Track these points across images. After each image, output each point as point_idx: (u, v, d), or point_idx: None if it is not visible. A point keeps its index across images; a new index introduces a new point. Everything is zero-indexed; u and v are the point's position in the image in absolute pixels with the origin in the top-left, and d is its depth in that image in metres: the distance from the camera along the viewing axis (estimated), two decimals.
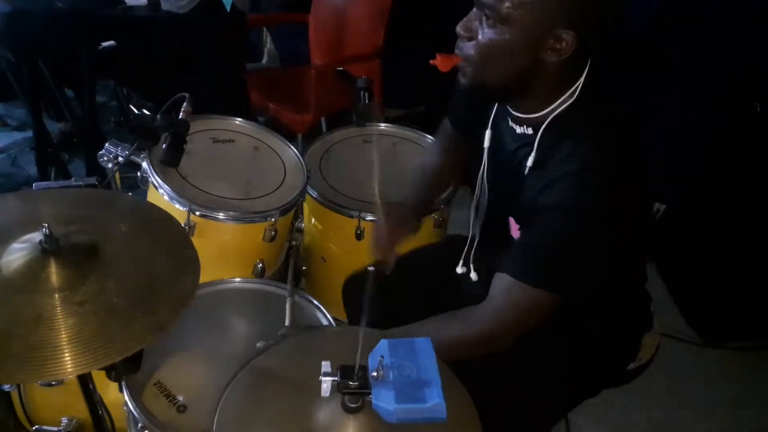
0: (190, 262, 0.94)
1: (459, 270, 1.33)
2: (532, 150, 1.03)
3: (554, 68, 0.96)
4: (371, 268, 0.75)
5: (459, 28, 0.98)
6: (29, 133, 2.63)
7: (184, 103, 1.44)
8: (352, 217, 1.63)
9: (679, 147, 2.32)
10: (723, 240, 2.22)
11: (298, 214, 1.70)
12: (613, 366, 1.26)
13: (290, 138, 1.72)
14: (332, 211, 1.65)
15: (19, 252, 0.85)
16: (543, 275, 0.99)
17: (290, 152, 1.66)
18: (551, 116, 1.01)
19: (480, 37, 0.95)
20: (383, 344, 0.79)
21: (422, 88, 3.19)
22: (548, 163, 1.00)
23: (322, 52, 2.87)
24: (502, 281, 1.03)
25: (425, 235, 1.66)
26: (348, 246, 1.66)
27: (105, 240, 0.91)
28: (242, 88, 2.43)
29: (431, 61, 1.03)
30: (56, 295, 0.81)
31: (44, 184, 1.37)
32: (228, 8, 2.08)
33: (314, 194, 1.67)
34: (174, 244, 0.96)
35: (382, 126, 1.98)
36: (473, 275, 1.28)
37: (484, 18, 0.94)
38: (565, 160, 0.97)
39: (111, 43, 2.08)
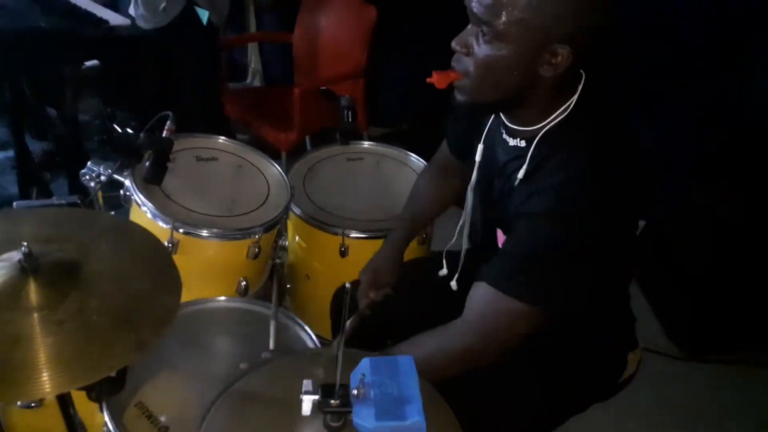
0: (172, 280, 0.93)
1: (442, 272, 1.34)
2: (523, 162, 1.03)
3: (550, 82, 0.97)
4: (348, 285, 0.75)
5: (455, 44, 0.99)
6: (11, 153, 2.60)
7: (168, 122, 1.44)
8: (336, 234, 1.63)
9: (660, 161, 2.36)
10: (704, 254, 2.25)
11: (282, 232, 1.71)
12: (599, 382, 1.27)
13: (274, 156, 1.73)
14: (316, 229, 1.66)
15: None
16: (519, 283, 0.98)
17: (274, 170, 1.67)
18: (545, 129, 1.02)
19: (477, 52, 0.96)
20: (365, 362, 0.78)
21: (406, 106, 3.23)
22: (537, 175, 1.01)
23: (306, 72, 2.89)
24: (479, 289, 1.02)
25: (409, 251, 1.67)
26: (332, 263, 1.67)
27: (86, 259, 0.90)
28: (219, 105, 2.43)
29: (428, 80, 1.02)
30: (35, 314, 0.80)
31: (25, 203, 1.36)
32: (204, 21, 2.09)
33: (298, 211, 1.67)
34: (156, 262, 0.95)
35: (366, 144, 2.00)
36: (453, 284, 1.28)
37: (480, 34, 0.95)
38: (554, 171, 0.98)
39: (94, 62, 2.08)
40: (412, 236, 1.48)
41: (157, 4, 2.06)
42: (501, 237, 1.12)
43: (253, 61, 3.40)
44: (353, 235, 1.63)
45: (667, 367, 2.19)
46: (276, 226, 1.55)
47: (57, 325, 0.80)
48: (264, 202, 1.56)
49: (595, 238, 0.96)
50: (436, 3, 2.73)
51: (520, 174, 1.03)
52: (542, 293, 0.98)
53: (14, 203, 1.35)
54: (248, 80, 3.46)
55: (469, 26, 0.98)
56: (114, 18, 1.95)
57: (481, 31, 0.94)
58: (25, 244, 0.82)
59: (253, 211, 1.52)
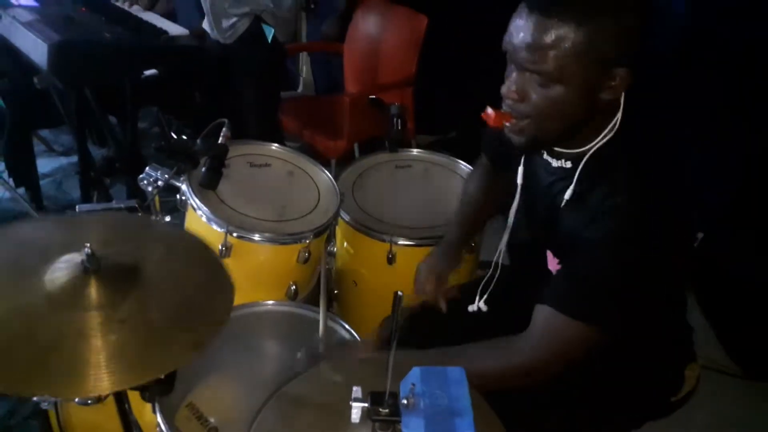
0: (225, 283, 0.95)
1: (471, 308, 1.31)
2: (569, 183, 1.02)
3: (608, 104, 0.95)
4: (400, 293, 0.75)
5: (506, 93, 0.96)
6: (74, 158, 2.73)
7: (224, 128, 1.48)
8: (383, 241, 1.63)
9: (716, 172, 2.27)
10: (763, 268, 2.15)
11: (331, 238, 1.72)
12: (656, 398, 1.23)
13: (324, 164, 1.75)
14: (364, 235, 1.67)
15: (62, 270, 0.87)
16: (584, 308, 0.97)
17: (324, 176, 1.69)
18: (592, 150, 1.00)
19: (534, 97, 0.94)
20: (415, 372, 0.78)
21: (453, 114, 3.21)
22: (590, 197, 0.99)
23: (356, 81, 2.92)
24: (543, 313, 1.01)
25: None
26: (379, 270, 1.67)
27: (144, 261, 0.93)
28: (276, 119, 2.48)
29: (482, 115, 1.00)
30: (97, 313, 0.84)
31: (87, 206, 1.41)
32: (269, 39, 2.14)
33: (347, 218, 1.68)
34: (209, 266, 0.98)
35: (415, 152, 2.00)
36: (482, 305, 1.27)
37: (533, 80, 0.92)
38: (610, 194, 0.96)
39: (153, 71, 2.15)
40: (466, 238, 1.46)
41: (224, 20, 2.12)
42: (551, 258, 1.10)
43: (304, 70, 3.46)
44: (401, 242, 1.63)
45: (725, 386, 2.09)
46: (326, 231, 1.56)
47: (119, 323, 0.83)
48: (314, 208, 1.58)
49: (657, 260, 0.95)
50: (484, 12, 2.72)
51: (567, 195, 1.02)
52: (607, 316, 0.97)
53: (77, 207, 1.41)
54: (299, 89, 3.53)
55: (516, 73, 0.95)
56: (173, 29, 2.02)
57: (533, 78, 0.92)
58: (88, 245, 0.85)
59: (303, 216, 1.55)
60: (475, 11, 2.88)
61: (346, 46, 2.92)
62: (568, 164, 1.03)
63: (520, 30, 0.90)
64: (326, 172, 1.70)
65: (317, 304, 1.42)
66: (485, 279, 1.30)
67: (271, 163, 1.68)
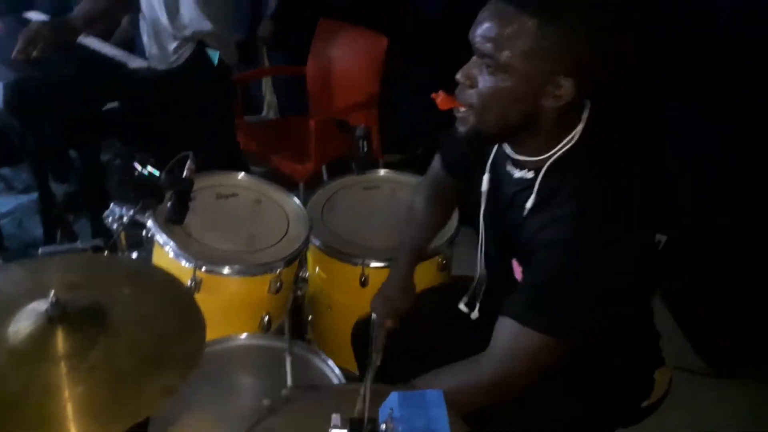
0: (196, 321, 0.94)
1: (462, 306, 1.31)
2: (531, 193, 1.03)
3: (554, 113, 0.97)
4: (375, 316, 0.75)
5: (459, 76, 1.00)
6: (34, 196, 2.66)
7: (188, 161, 1.47)
8: (355, 264, 1.63)
9: (685, 174, 2.32)
10: (729, 267, 2.21)
11: (303, 264, 1.71)
12: (626, 405, 1.24)
13: (292, 187, 1.74)
14: (336, 259, 1.66)
15: (26, 321, 0.85)
16: (544, 318, 0.98)
17: (292, 203, 1.68)
18: (551, 160, 1.02)
19: (480, 84, 0.97)
20: (393, 397, 0.78)
21: (420, 131, 3.24)
22: (548, 206, 1.01)
23: (321, 103, 2.93)
24: (505, 325, 1.02)
25: (430, 278, 1.67)
26: (353, 294, 1.66)
27: (111, 303, 0.91)
28: (234, 141, 2.47)
29: (433, 94, 1.03)
30: (63, 363, 0.82)
31: (49, 248, 1.38)
32: (215, 62, 2.13)
33: (317, 243, 1.68)
34: (179, 305, 0.97)
35: (382, 172, 2.01)
36: (474, 314, 1.27)
37: (484, 66, 0.96)
38: (565, 202, 0.98)
39: (114, 103, 2.13)
40: (416, 260, 1.46)
41: (168, 45, 2.11)
42: (517, 268, 1.12)
43: (268, 94, 3.46)
44: (373, 264, 1.63)
45: (696, 385, 2.13)
46: (296, 259, 1.56)
47: (86, 372, 0.81)
48: (284, 236, 1.57)
49: (612, 265, 0.96)
50: (444, 29, 2.77)
51: (529, 204, 1.03)
52: (566, 325, 0.99)
53: (39, 249, 1.38)
54: (264, 113, 3.52)
55: (474, 58, 0.99)
56: (132, 61, 2.00)
57: (485, 63, 0.95)
58: (53, 293, 0.83)
59: (273, 245, 1.54)
60: (435, 29, 2.93)
61: (308, 69, 2.93)
62: (530, 174, 1.05)
63: (487, 16, 0.94)
64: (294, 198, 1.70)
65: (292, 334, 1.41)
66: (473, 286, 1.30)
67: (238, 193, 1.67)
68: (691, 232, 2.31)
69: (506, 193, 1.12)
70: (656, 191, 1.03)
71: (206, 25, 2.07)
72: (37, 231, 2.56)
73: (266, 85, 3.45)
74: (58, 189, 2.74)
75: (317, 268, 1.77)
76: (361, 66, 2.73)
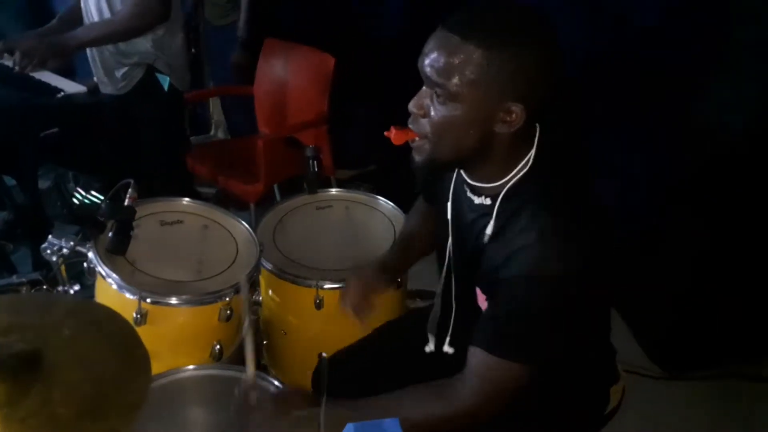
0: (140, 360, 0.90)
1: (428, 349, 1.32)
2: (490, 220, 1.05)
3: (507, 139, 0.99)
4: (324, 355, 0.74)
5: (411, 106, 1.01)
6: None
7: (129, 189, 1.42)
8: (309, 286, 1.61)
9: (634, 181, 2.39)
10: (678, 272, 2.28)
11: (255, 287, 1.68)
12: (582, 421, 1.26)
13: (243, 208, 1.71)
14: (289, 282, 1.63)
15: None
16: (516, 348, 1.00)
17: (241, 227, 1.65)
18: (508, 186, 1.03)
19: (432, 113, 0.98)
20: (349, 428, 0.77)
21: (372, 147, 3.25)
22: (507, 234, 1.02)
23: (269, 122, 2.90)
24: (476, 356, 1.02)
25: (385, 295, 1.65)
26: (308, 316, 1.64)
27: (48, 346, 0.86)
28: (183, 165, 2.43)
29: (386, 133, 1.05)
30: None
31: None
32: (165, 87, 2.10)
33: (269, 266, 1.65)
34: (122, 343, 0.92)
35: (334, 191, 2.00)
36: (448, 348, 1.26)
37: (434, 95, 0.97)
38: (524, 231, 0.99)
39: (53, 129, 2.06)
40: (401, 264, 1.46)
41: (115, 71, 2.06)
42: (480, 295, 1.12)
43: (215, 113, 3.41)
44: (327, 286, 1.61)
45: (649, 389, 2.19)
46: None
47: (19, 423, 0.77)
48: (233, 262, 1.53)
49: (575, 292, 0.98)
50: (390, 46, 2.79)
51: (488, 231, 1.05)
52: (538, 352, 1.01)
53: None
54: (212, 132, 3.47)
55: (424, 88, 1.00)
56: (69, 86, 1.94)
57: (435, 92, 0.96)
58: None
59: (222, 272, 1.50)
60: (382, 47, 2.95)
61: (255, 88, 2.90)
62: (488, 201, 1.07)
63: (434, 46, 0.95)
64: (242, 222, 1.66)
65: (244, 363, 1.37)
66: (437, 318, 1.30)
67: (184, 219, 1.62)
68: (641, 239, 2.38)
69: (466, 220, 1.13)
70: (605, 214, 1.05)
71: (153, 53, 2.04)
72: None
73: (213, 104, 3.41)
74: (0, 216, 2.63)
75: (270, 291, 1.74)
76: (309, 84, 2.72)
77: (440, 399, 1.05)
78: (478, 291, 1.13)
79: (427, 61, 0.96)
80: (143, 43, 2.02)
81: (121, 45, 2.02)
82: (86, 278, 1.50)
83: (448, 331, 1.26)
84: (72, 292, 1.43)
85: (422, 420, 1.01)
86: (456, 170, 1.15)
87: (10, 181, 2.52)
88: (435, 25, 0.98)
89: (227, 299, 1.43)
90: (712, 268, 2.15)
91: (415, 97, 1.01)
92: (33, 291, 1.36)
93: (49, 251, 1.43)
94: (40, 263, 2.02)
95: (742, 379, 2.25)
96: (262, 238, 1.64)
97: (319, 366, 1.41)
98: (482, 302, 1.12)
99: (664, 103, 2.20)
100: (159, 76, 2.08)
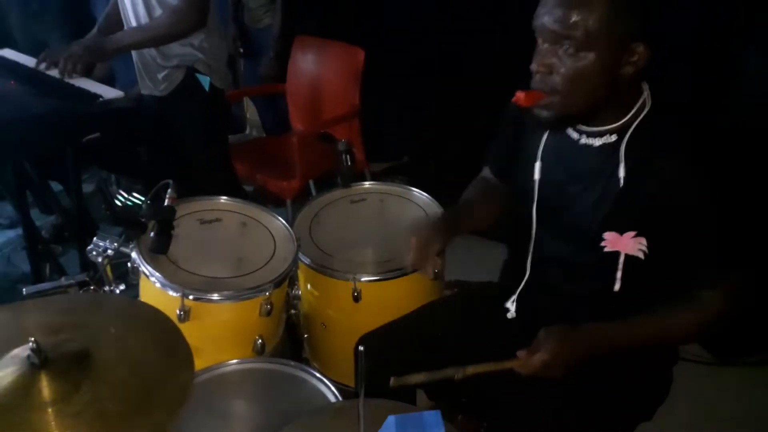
0: (183, 356, 0.92)
1: (509, 316, 1.31)
2: (617, 161, 1.07)
3: (629, 79, 1.03)
4: (361, 348, 0.74)
5: (536, 66, 1.04)
6: (20, 230, 2.64)
7: (169, 190, 1.46)
8: (347, 280, 1.62)
9: None
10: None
11: (294, 282, 1.70)
12: (647, 402, 1.26)
13: (280, 204, 1.73)
14: (326, 276, 1.65)
15: (7, 368, 0.83)
16: (732, 257, 1.07)
17: (278, 223, 1.67)
18: (634, 124, 1.07)
19: (563, 68, 1.02)
20: (390, 421, 0.78)
21: (404, 139, 3.24)
22: (653, 166, 1.05)
23: (302, 119, 2.92)
24: (710, 277, 1.09)
25: (423, 285, 1.65)
26: (346, 309, 1.65)
27: (96, 345, 0.90)
28: (230, 165, 2.46)
29: (513, 99, 1.07)
30: (49, 410, 0.80)
31: (34, 288, 1.37)
32: (206, 87, 2.13)
33: (307, 261, 1.66)
34: (166, 341, 0.95)
35: (367, 184, 2.00)
36: (511, 313, 1.28)
37: (562, 50, 1.00)
38: (672, 155, 1.03)
39: (95, 134, 2.11)
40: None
41: (157, 74, 2.10)
42: (617, 239, 1.11)
43: (249, 112, 3.45)
44: (364, 278, 1.61)
45: (701, 375, 2.13)
46: (285, 280, 1.54)
47: (72, 418, 0.80)
48: (272, 257, 1.56)
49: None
50: (419, 37, 2.77)
51: (622, 173, 1.07)
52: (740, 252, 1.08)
53: (23, 290, 1.36)
54: (247, 131, 3.51)
55: (543, 47, 1.03)
56: (107, 92, 1.98)
57: (564, 45, 1.00)
58: (32, 339, 0.82)
59: (261, 267, 1.52)
60: (409, 38, 2.93)
61: (288, 85, 2.93)
62: (613, 137, 1.09)
63: (556, 2, 1.00)
64: (279, 218, 1.68)
65: (286, 355, 1.40)
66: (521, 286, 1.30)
67: (222, 218, 1.65)
68: None
69: (582, 170, 1.13)
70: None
71: (193, 55, 2.07)
72: (26, 266, 2.53)
73: (247, 103, 3.45)
74: (44, 219, 2.73)
75: (309, 286, 1.75)
76: (339, 79, 2.73)
77: (691, 311, 1.11)
78: (610, 235, 1.11)
79: (550, 17, 0.99)
80: (183, 46, 2.06)
81: (162, 48, 2.06)
82: (131, 278, 1.54)
83: (536, 296, 1.27)
84: (118, 291, 1.47)
85: (680, 330, 1.11)
86: (547, 131, 1.17)
87: (56, 186, 2.62)
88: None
89: (267, 294, 1.45)
90: (764, 252, 2.07)
91: (537, 57, 1.04)
92: (81, 292, 1.40)
93: (94, 253, 1.47)
94: (87, 264, 2.09)
95: None
96: (298, 233, 1.66)
97: (356, 359, 1.41)
98: (614, 245, 1.11)
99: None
100: (199, 76, 2.11)
